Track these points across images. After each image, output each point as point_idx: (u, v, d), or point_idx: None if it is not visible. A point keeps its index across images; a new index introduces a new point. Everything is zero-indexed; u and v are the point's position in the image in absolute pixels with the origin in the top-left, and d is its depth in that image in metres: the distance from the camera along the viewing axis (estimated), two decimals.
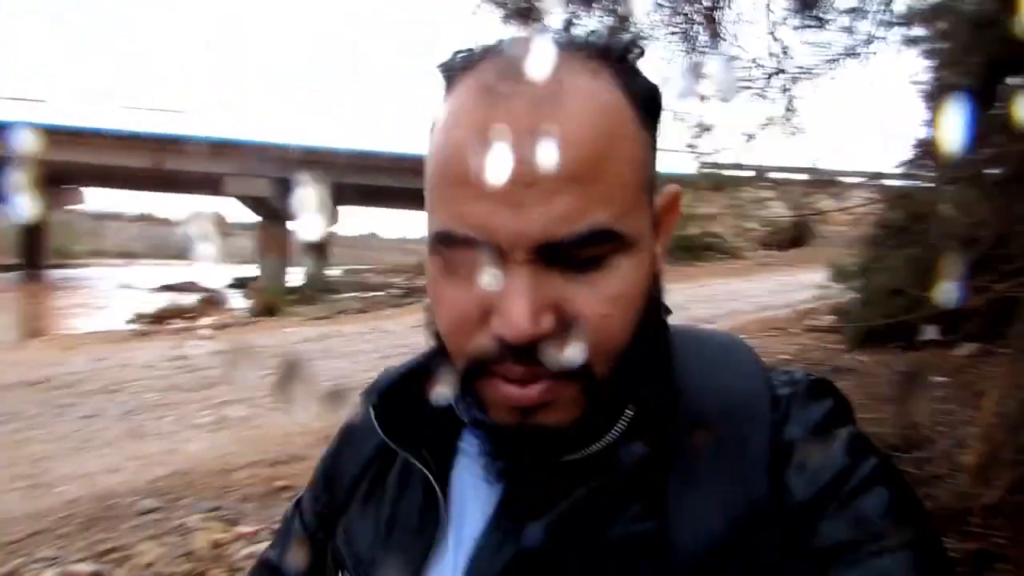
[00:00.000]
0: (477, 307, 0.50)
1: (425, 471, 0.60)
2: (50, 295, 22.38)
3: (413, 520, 0.61)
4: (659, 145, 0.56)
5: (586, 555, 0.53)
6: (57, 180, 29.50)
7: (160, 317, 13.72)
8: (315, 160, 22.01)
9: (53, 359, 8.08)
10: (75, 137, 22.09)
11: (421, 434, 0.61)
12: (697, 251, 16.63)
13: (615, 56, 0.52)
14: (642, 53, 0.55)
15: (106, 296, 22.27)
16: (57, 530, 3.22)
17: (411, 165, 23.51)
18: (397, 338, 8.68)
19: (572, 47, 0.51)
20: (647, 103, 0.53)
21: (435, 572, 0.58)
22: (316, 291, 17.67)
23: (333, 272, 25.63)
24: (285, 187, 22.75)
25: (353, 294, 18.18)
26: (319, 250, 26.56)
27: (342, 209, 32.62)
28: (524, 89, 0.48)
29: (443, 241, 0.51)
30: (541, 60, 0.48)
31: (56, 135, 21.82)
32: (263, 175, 21.65)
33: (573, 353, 0.49)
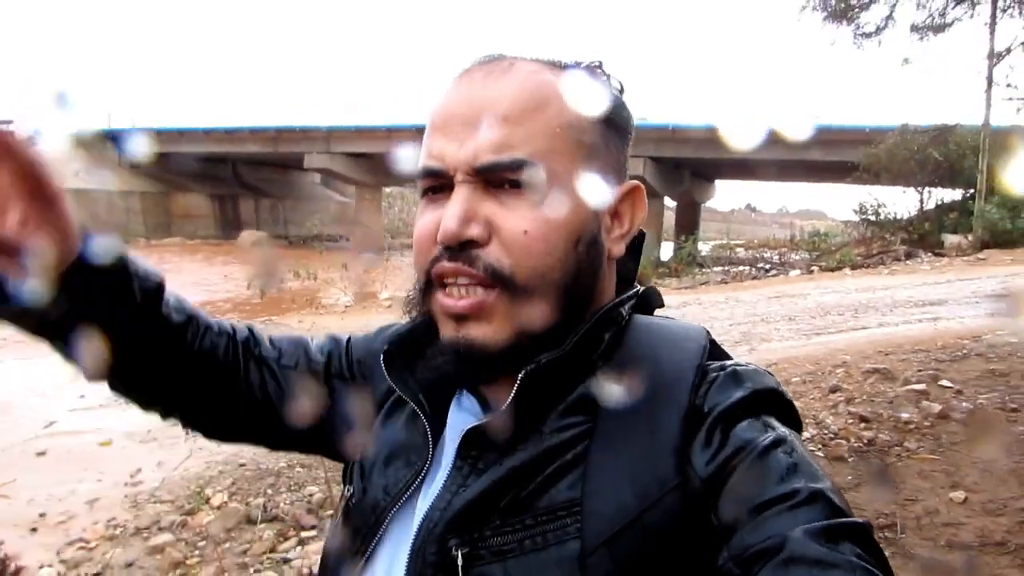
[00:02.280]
0: (433, 227, 0.60)
1: (423, 417, 0.66)
2: None
3: (412, 456, 0.67)
4: (621, 143, 0.67)
5: (515, 521, 0.57)
6: None
7: None
8: (687, 138, 22.55)
9: None
10: None
11: (423, 381, 0.67)
12: None
13: (578, 67, 0.66)
14: (608, 74, 0.68)
15: None
16: None
17: (783, 137, 22.66)
18: (750, 307, 8.93)
19: (543, 59, 0.66)
20: (616, 117, 0.66)
21: (410, 505, 0.64)
22: (683, 265, 18.30)
23: (703, 247, 25.98)
24: (658, 166, 23.72)
25: (720, 268, 18.45)
26: (688, 226, 27.15)
27: (719, 184, 32.54)
28: (486, 67, 0.63)
29: (420, 176, 0.63)
30: (506, 54, 0.65)
31: None
32: (639, 155, 22.75)
33: (496, 256, 0.58)
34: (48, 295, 0.61)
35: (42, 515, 3.70)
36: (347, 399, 0.78)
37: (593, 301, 0.64)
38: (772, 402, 0.58)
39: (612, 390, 0.59)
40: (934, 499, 2.92)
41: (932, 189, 17.49)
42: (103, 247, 0.65)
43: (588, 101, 0.63)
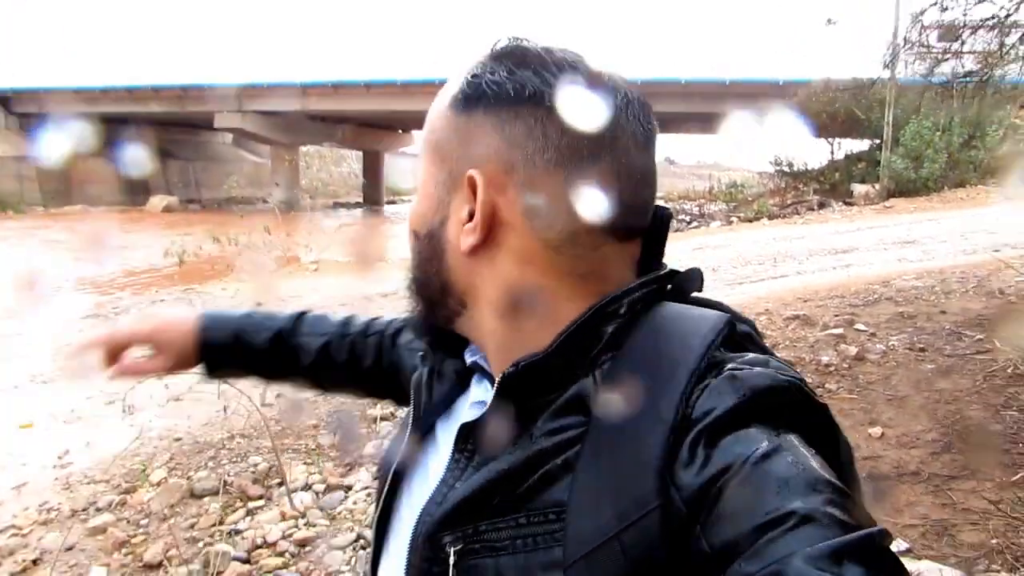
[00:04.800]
0: None
1: (426, 368, 0.70)
2: (387, 226, 26.00)
3: (411, 412, 0.70)
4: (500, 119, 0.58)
5: (509, 518, 0.56)
6: (389, 127, 34.02)
7: None
8: None
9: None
10: (404, 88, 25.44)
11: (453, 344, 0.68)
12: None
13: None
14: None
15: None
16: None
17: (702, 90, 23.15)
18: (673, 260, 9.10)
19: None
20: (464, 84, 0.61)
21: (411, 486, 0.68)
22: None
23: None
24: None
25: None
26: None
27: None
28: None
29: None
30: None
31: (385, 87, 25.33)
32: None
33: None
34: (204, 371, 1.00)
35: None
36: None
37: (451, 295, 0.64)
38: (770, 405, 0.51)
39: (599, 395, 0.55)
40: (854, 435, 3.13)
41: (841, 140, 18.27)
42: (208, 336, 0.97)
43: (457, 95, 0.61)
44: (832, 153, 18.49)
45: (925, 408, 3.31)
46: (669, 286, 0.62)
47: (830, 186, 16.67)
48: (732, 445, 0.48)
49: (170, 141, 32.59)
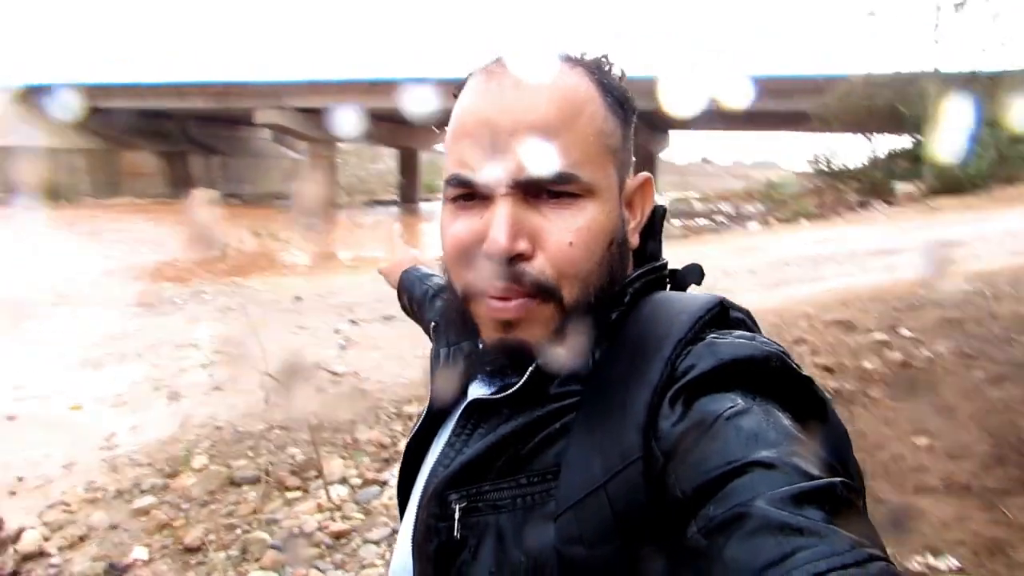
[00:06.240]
0: (473, 237, 0.62)
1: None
2: (421, 223, 26.12)
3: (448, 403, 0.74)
4: (631, 135, 0.69)
5: (511, 479, 0.61)
6: (424, 124, 34.06)
7: None
8: (637, 89, 22.48)
9: None
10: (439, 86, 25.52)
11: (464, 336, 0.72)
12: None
13: (592, 62, 0.67)
14: (614, 64, 0.69)
15: None
16: None
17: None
18: (712, 261, 9.04)
19: (562, 56, 0.67)
20: (616, 94, 0.67)
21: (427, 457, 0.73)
22: None
23: (661, 200, 25.87)
24: None
25: (677, 222, 18.61)
26: None
27: (673, 134, 32.60)
28: (511, 69, 0.64)
29: (451, 183, 0.64)
30: (528, 54, 0.64)
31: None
32: None
33: (541, 268, 0.61)
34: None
35: (20, 479, 3.67)
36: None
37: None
38: (748, 372, 0.54)
39: (596, 365, 0.62)
40: (899, 445, 3.06)
41: (881, 136, 17.79)
42: (402, 281, 1.27)
43: (613, 104, 0.66)
44: (873, 151, 18.05)
45: (975, 418, 3.22)
46: (669, 281, 0.71)
47: (871, 185, 16.28)
48: (709, 403, 0.53)
49: (212, 136, 33.17)
